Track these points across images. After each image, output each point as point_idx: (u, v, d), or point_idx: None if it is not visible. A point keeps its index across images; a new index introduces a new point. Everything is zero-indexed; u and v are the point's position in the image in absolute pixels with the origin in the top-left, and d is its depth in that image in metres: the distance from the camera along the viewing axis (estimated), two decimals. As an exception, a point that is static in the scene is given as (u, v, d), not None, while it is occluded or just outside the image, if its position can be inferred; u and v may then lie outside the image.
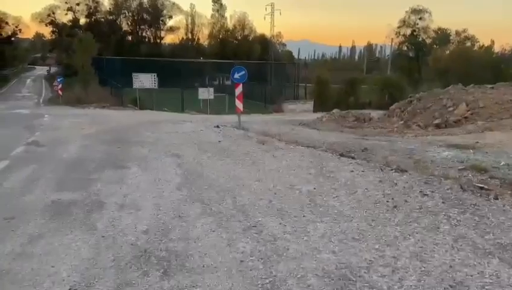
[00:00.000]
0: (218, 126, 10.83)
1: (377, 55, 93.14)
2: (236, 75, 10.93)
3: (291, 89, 35.09)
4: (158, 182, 4.97)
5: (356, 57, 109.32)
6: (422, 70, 49.10)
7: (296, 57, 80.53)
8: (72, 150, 7.65)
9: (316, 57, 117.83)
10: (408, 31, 51.05)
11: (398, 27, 51.28)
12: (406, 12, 50.61)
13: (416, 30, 50.69)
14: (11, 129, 11.97)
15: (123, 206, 4.00)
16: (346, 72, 48.46)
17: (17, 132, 10.92)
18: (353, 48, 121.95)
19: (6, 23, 48.96)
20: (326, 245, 2.98)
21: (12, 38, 51.68)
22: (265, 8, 60.21)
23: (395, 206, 3.71)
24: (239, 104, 11.28)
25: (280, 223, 3.40)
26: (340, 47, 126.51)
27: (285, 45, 75.77)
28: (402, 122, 12.94)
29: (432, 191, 4.03)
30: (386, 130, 11.79)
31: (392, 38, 52.00)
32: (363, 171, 5.00)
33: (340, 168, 5.18)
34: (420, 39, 50.98)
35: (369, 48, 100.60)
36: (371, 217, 3.48)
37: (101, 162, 6.38)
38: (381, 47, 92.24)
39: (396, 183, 4.40)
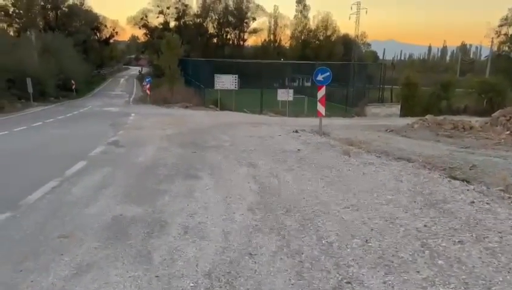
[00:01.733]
0: (297, 131, 10.07)
1: (471, 56, 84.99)
2: (320, 77, 10.03)
3: (375, 91, 32.92)
4: (229, 199, 4.33)
5: (447, 58, 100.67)
6: (527, 74, 43.19)
7: (380, 57, 76.41)
8: (149, 152, 7.46)
9: (402, 58, 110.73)
10: (511, 30, 45.33)
11: (499, 26, 45.89)
12: (509, 9, 44.98)
13: (521, 29, 44.77)
14: (98, 127, 12.50)
15: (187, 231, 3.40)
16: (437, 74, 44.59)
17: (103, 130, 11.29)
18: (444, 48, 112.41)
19: (105, 26, 53.86)
20: (459, 331, 2.02)
21: (110, 40, 56.70)
22: (351, 7, 57.94)
23: (552, 268, 2.59)
24: (321, 108, 10.37)
25: (384, 283, 2.46)
26: (429, 47, 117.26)
27: (370, 45, 72.50)
28: (508, 132, 11.13)
29: None
30: (492, 142, 10.20)
31: (492, 38, 46.65)
32: (487, 203, 3.83)
33: (454, 197, 4.06)
34: (526, 39, 44.96)
35: (463, 48, 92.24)
36: (519, 285, 2.42)
37: (173, 168, 6.01)
38: (476, 48, 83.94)
39: (542, 228, 3.22)
